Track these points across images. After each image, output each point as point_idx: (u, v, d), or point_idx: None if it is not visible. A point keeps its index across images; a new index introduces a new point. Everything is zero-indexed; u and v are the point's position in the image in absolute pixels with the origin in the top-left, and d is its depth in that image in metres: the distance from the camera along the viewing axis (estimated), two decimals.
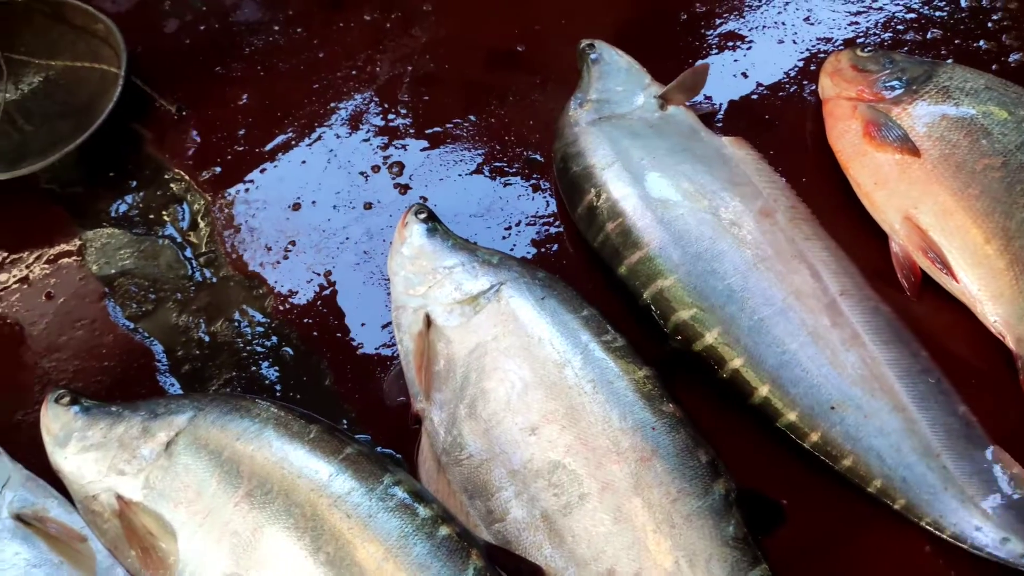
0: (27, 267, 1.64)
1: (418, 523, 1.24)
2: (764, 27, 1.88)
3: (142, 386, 1.51)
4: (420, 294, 1.51)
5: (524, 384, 1.37)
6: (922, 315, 1.48)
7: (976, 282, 1.44)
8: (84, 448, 1.39)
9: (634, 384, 1.35)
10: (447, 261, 1.53)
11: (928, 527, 1.28)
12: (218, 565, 1.26)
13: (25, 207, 1.72)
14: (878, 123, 1.55)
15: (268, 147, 1.77)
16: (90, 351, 1.55)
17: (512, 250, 1.63)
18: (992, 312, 1.43)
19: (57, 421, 1.41)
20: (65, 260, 1.65)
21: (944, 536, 1.28)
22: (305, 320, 1.57)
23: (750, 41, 1.86)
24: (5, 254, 1.67)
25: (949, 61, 1.75)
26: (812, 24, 1.88)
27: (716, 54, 1.85)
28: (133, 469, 1.35)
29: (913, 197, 1.50)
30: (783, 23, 1.88)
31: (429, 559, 1.22)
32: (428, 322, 1.47)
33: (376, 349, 1.54)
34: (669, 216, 1.51)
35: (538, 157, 1.73)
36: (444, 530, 1.25)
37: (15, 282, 1.63)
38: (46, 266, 1.65)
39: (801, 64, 1.82)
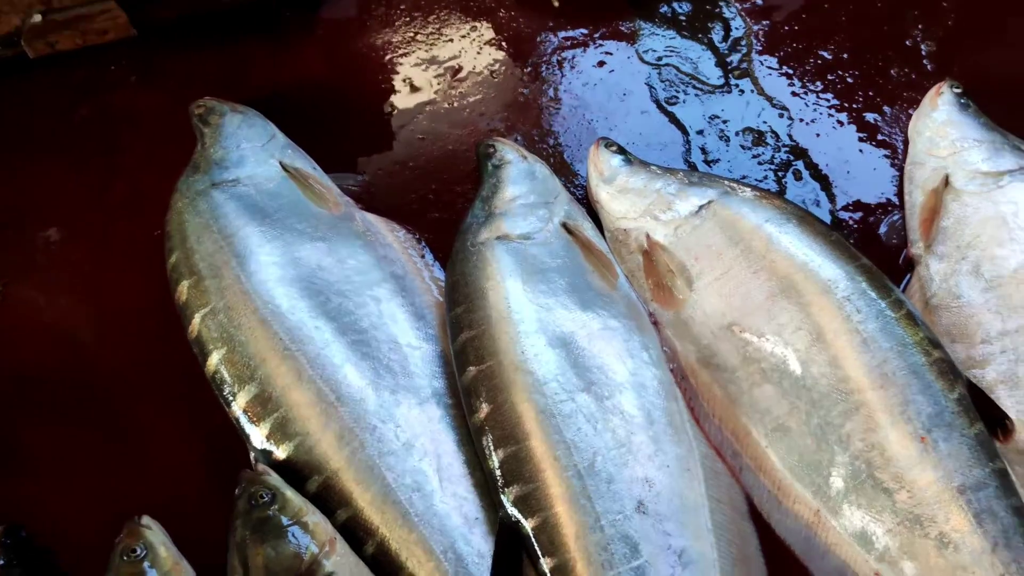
0: (587, 36, 1.89)
1: (918, 339, 1.38)
2: None
3: (667, 160, 1.73)
4: (942, 156, 1.62)
5: None
6: None
7: None
8: (624, 190, 1.63)
9: None
10: (976, 135, 1.63)
11: None
12: (725, 314, 1.46)
13: None
14: None
15: None
16: (628, 118, 1.79)
17: None
18: None
19: (605, 162, 1.66)
20: (619, 40, 1.89)
21: None
22: (819, 150, 1.72)
23: None
24: (568, 21, 1.92)
25: None
26: None
27: None
28: (666, 218, 1.57)
29: None
30: None
31: (922, 370, 1.35)
32: (946, 182, 1.58)
33: (877, 192, 1.67)
34: None
35: None
36: (937, 353, 1.38)
37: (576, 46, 1.88)
38: (603, 40, 1.89)
39: None
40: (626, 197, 1.62)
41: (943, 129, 1.64)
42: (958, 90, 1.68)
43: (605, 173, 1.65)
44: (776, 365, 1.41)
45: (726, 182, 1.60)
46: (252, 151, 1.68)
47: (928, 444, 1.30)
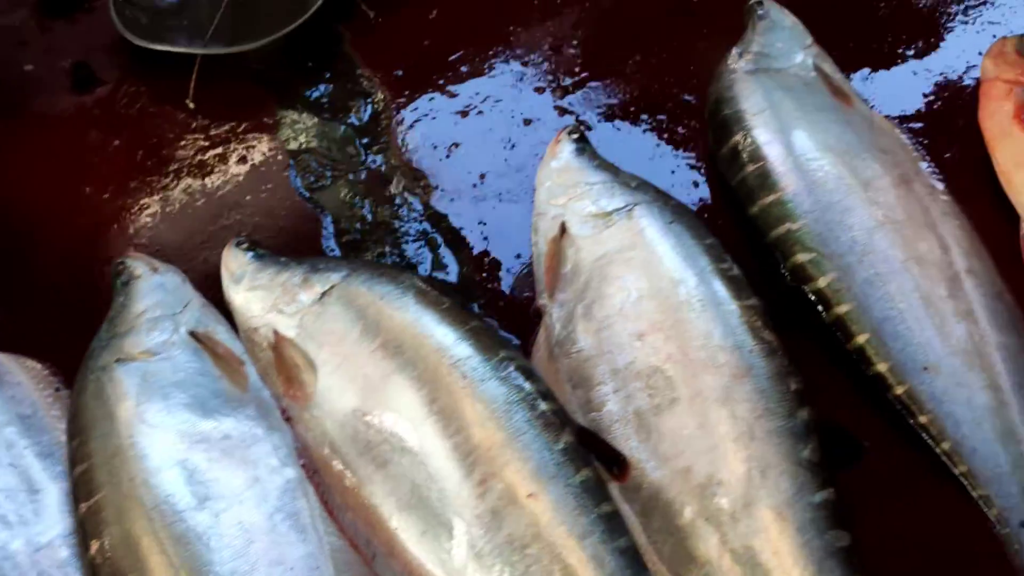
0: (228, 133, 1.89)
1: (523, 395, 1.39)
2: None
3: (308, 248, 1.72)
4: (560, 204, 1.65)
5: (640, 294, 1.49)
6: None
7: None
8: (253, 287, 1.61)
9: (740, 309, 1.45)
10: (590, 178, 1.67)
11: (979, 498, 1.33)
12: (348, 400, 1.45)
13: (236, 83, 1.97)
14: None
15: (450, 58, 1.95)
16: (270, 211, 1.78)
17: (653, 177, 1.73)
18: None
19: (235, 261, 1.64)
20: (261, 132, 1.89)
21: (988, 513, 1.32)
22: (456, 214, 1.74)
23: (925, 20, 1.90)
24: (209, 121, 1.92)
25: None
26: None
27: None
28: (291, 311, 1.56)
29: None
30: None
31: (526, 426, 1.37)
32: (563, 229, 1.61)
33: (513, 249, 1.69)
34: (807, 166, 1.59)
35: (692, 99, 1.83)
36: (544, 406, 1.39)
37: (218, 144, 1.88)
38: (244, 135, 1.88)
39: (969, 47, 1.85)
40: (255, 294, 1.60)
41: (561, 176, 1.67)
42: (575, 136, 1.72)
43: (235, 273, 1.63)
44: (397, 444, 1.39)
45: (349, 264, 1.60)
46: None
47: (535, 500, 1.31)
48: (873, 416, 1.44)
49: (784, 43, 1.81)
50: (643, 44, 1.94)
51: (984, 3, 1.92)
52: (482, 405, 1.38)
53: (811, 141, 1.62)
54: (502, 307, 1.62)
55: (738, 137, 1.66)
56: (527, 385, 1.41)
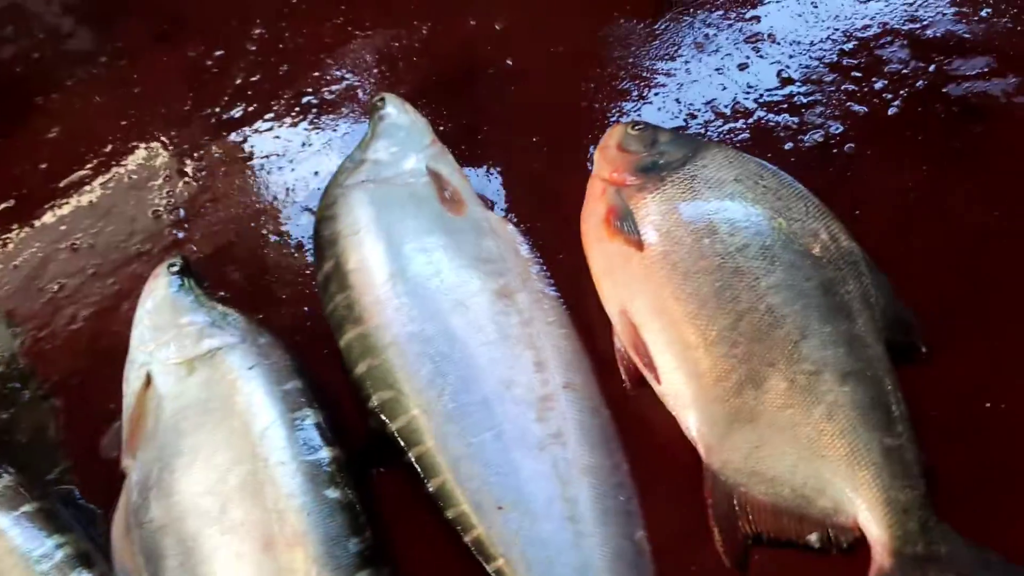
0: None
1: None
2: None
3: None
4: (148, 351, 1.54)
5: (209, 453, 1.39)
6: (639, 412, 1.48)
7: (677, 385, 1.42)
8: None
9: (305, 465, 1.37)
10: (181, 319, 1.56)
11: None
12: None
13: None
14: (617, 210, 1.53)
15: (63, 183, 1.82)
16: None
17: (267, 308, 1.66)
18: (688, 417, 1.41)
19: None
20: None
21: None
22: (51, 366, 1.62)
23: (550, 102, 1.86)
24: None
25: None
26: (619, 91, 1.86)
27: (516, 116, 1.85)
28: None
29: (631, 291, 1.47)
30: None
31: None
32: (148, 381, 1.51)
33: (110, 402, 1.57)
34: (394, 293, 1.51)
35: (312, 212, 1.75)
36: None
37: None
38: None
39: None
40: None
41: (153, 319, 1.56)
42: (175, 269, 1.61)
43: None
44: None
45: None
46: None
47: None
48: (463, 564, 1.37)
49: (399, 147, 1.72)
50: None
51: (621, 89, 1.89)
52: None
53: (403, 264, 1.54)
54: (92, 470, 1.50)
55: (330, 264, 1.58)
56: (76, 573, 1.31)
